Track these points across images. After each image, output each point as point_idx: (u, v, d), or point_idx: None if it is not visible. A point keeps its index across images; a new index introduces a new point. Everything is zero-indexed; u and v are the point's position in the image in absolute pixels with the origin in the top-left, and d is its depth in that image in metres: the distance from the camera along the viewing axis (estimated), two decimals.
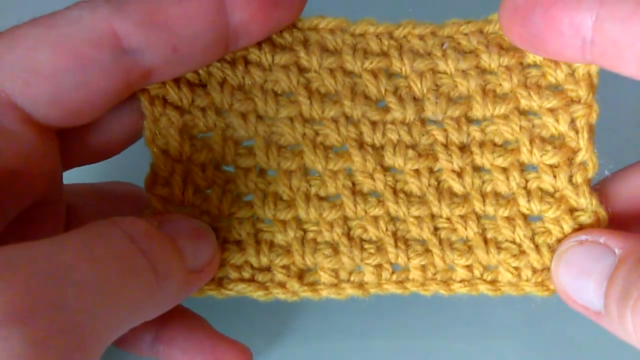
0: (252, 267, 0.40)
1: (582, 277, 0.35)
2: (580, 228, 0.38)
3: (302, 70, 0.39)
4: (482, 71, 0.40)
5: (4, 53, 0.34)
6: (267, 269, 0.40)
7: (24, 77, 0.34)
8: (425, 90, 0.39)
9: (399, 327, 0.50)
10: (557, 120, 0.38)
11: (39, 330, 0.27)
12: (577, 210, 0.38)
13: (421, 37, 0.40)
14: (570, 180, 0.38)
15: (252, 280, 0.40)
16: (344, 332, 0.51)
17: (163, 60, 0.36)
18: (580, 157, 0.38)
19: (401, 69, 0.40)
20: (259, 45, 0.39)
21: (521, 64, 0.39)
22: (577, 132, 0.38)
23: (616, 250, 0.34)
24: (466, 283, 0.39)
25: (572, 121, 0.38)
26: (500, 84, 0.39)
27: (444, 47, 0.40)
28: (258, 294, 0.39)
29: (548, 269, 0.38)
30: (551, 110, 0.39)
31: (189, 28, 0.35)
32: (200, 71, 0.39)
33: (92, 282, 0.29)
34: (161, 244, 0.34)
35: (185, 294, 0.36)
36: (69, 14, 0.34)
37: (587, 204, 0.38)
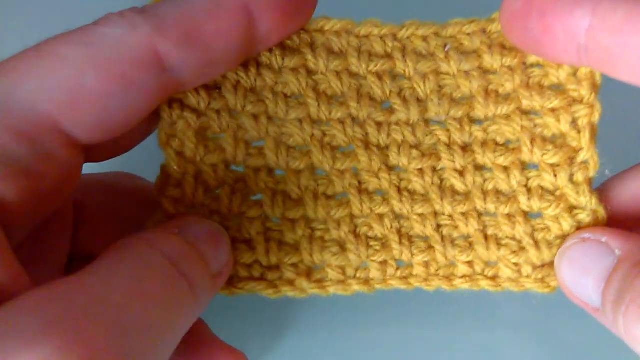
0: (261, 265, 0.41)
1: (582, 274, 0.36)
2: (579, 226, 0.39)
3: (310, 72, 0.41)
4: (485, 72, 0.40)
5: (46, 74, 0.33)
6: (276, 268, 0.41)
7: (70, 100, 0.33)
8: (428, 92, 0.40)
9: (402, 320, 0.51)
10: (558, 121, 0.39)
11: None
12: (576, 208, 0.39)
13: (424, 39, 0.41)
14: (570, 179, 0.39)
15: (261, 278, 0.41)
16: (345, 327, 0.52)
17: (197, 75, 0.37)
18: (582, 156, 0.39)
19: (405, 71, 0.41)
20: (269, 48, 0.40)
21: (524, 63, 0.40)
22: (578, 132, 0.39)
23: (616, 251, 0.35)
24: (467, 279, 0.40)
25: (574, 121, 0.39)
26: (503, 85, 0.40)
27: (446, 49, 0.40)
28: (268, 292, 0.41)
29: (548, 266, 0.40)
30: (553, 111, 0.39)
31: (222, 43, 0.36)
32: None
33: (147, 322, 0.29)
34: (195, 260, 0.35)
35: (211, 300, 0.36)
36: (109, 33, 0.34)
37: (587, 203, 0.39)
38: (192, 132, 0.40)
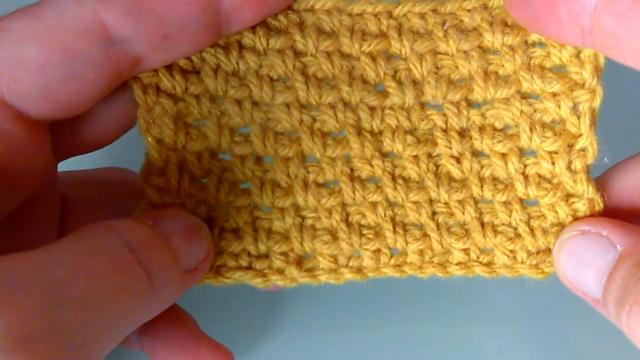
0: (249, 254, 0.40)
1: (582, 267, 0.36)
2: (575, 215, 0.38)
3: (298, 54, 0.38)
4: (485, 51, 0.38)
5: None
6: (265, 256, 0.40)
7: (11, 72, 0.33)
8: (425, 73, 0.38)
9: (392, 316, 0.51)
10: (558, 106, 0.38)
11: (38, 355, 0.26)
12: (573, 196, 0.39)
13: (422, 16, 0.38)
14: (568, 166, 0.38)
15: (249, 267, 0.40)
16: (334, 324, 0.51)
17: (153, 49, 0.35)
18: (581, 143, 0.38)
19: (401, 51, 0.38)
20: (253, 29, 0.37)
21: (526, 42, 0.38)
22: (578, 118, 0.38)
23: (618, 246, 0.34)
24: (462, 266, 0.40)
25: (575, 106, 0.38)
26: (503, 65, 0.38)
27: (445, 28, 0.38)
28: (256, 281, 0.39)
29: (542, 252, 0.39)
30: (553, 95, 0.38)
31: (178, 14, 0.34)
32: (194, 57, 0.38)
33: (90, 298, 0.29)
34: (158, 250, 0.34)
35: (179, 294, 0.36)
36: (54, 5, 0.33)
37: (584, 191, 0.38)
38: (170, 118, 0.38)
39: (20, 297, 0.27)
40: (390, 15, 0.38)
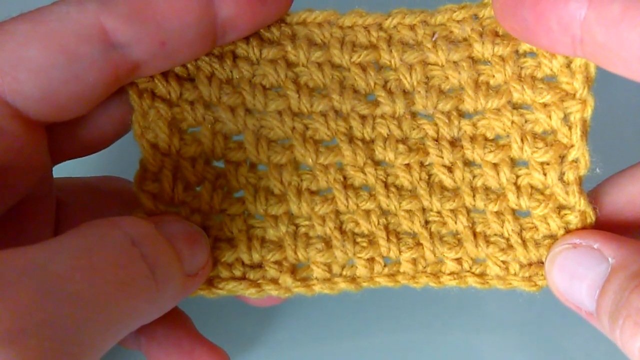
0: (243, 264, 0.40)
1: (574, 280, 0.35)
2: (567, 227, 0.38)
3: (290, 64, 0.39)
4: (475, 61, 0.39)
5: None
6: (259, 266, 0.40)
7: (13, 73, 0.34)
8: (415, 83, 0.39)
9: (387, 323, 0.51)
10: (549, 117, 0.38)
11: (30, 350, 0.26)
12: (565, 208, 0.38)
13: (411, 27, 0.39)
14: (560, 178, 0.38)
15: (243, 278, 0.40)
16: (328, 329, 0.51)
17: (151, 55, 0.36)
18: (573, 154, 0.38)
19: (390, 62, 0.39)
20: (246, 39, 0.39)
21: (516, 52, 0.39)
22: (570, 128, 0.38)
23: (609, 259, 0.34)
24: (455, 276, 0.40)
25: (566, 116, 0.38)
26: (494, 76, 0.39)
27: (434, 38, 0.39)
28: (250, 292, 0.39)
29: (535, 264, 0.39)
30: (544, 105, 0.38)
31: (177, 22, 0.35)
32: (189, 65, 0.39)
33: (88, 294, 0.29)
34: (162, 247, 0.34)
35: (181, 297, 0.36)
36: (56, 10, 0.35)
37: (576, 203, 0.38)
38: (164, 122, 0.39)
39: (13, 291, 0.27)
40: (380, 27, 0.39)
